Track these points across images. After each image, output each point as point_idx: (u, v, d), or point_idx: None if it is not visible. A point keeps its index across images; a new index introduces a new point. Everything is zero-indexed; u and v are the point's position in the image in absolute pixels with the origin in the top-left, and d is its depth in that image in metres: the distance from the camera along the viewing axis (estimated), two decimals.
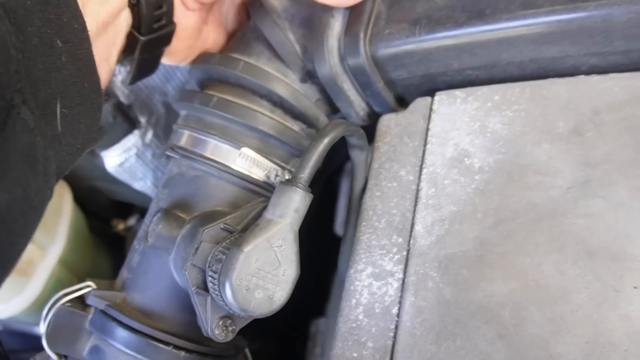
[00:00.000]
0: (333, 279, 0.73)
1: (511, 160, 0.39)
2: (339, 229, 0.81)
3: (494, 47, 0.41)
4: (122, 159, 0.61)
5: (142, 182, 0.65)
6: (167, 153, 0.48)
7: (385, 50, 0.44)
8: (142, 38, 0.44)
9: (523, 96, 0.41)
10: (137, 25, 0.44)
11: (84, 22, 0.36)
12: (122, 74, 0.56)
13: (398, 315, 0.37)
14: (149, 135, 0.62)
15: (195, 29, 0.49)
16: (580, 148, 0.37)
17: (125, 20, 0.43)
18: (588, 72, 0.40)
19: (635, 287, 0.32)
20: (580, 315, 0.32)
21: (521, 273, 0.35)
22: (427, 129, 0.43)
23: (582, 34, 0.38)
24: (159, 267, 0.45)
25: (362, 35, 0.44)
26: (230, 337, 0.40)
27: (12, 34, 0.31)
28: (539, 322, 0.33)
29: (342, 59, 0.45)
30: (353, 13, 0.46)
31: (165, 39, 0.47)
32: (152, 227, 0.45)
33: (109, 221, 0.77)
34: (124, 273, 0.48)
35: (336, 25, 0.46)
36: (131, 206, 0.78)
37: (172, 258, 0.44)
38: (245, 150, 0.46)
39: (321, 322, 0.75)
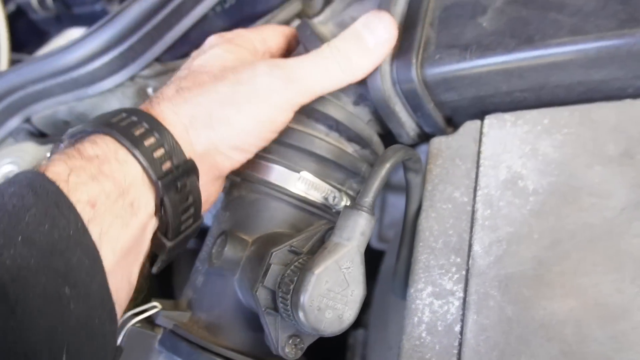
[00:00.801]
0: (372, 291, 0.75)
1: (564, 182, 0.40)
2: (375, 241, 0.83)
3: (542, 71, 0.43)
4: None
5: None
6: (228, 177, 0.50)
7: (436, 74, 0.46)
8: (169, 243, 0.44)
9: (572, 120, 0.42)
10: (164, 230, 0.43)
11: (97, 256, 0.35)
12: None
13: (461, 332, 0.39)
14: None
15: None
16: (632, 170, 0.39)
17: (150, 231, 0.42)
18: (634, 95, 0.42)
19: None
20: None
21: (580, 292, 0.37)
22: (479, 152, 0.45)
23: (630, 59, 0.40)
24: (223, 287, 0.47)
25: (414, 60, 0.46)
26: (299, 354, 0.43)
27: (9, 315, 0.31)
28: (600, 340, 0.35)
29: (394, 82, 0.48)
30: (404, 39, 0.48)
31: (193, 233, 0.46)
32: (216, 249, 0.47)
33: None
34: (188, 293, 0.50)
35: None
36: None
37: (237, 279, 0.46)
38: (304, 174, 0.48)
39: (360, 333, 0.77)
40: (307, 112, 0.49)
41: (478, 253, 0.41)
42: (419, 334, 0.40)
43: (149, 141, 0.41)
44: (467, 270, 0.41)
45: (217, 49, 0.49)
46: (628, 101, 0.41)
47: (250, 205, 0.49)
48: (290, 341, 0.43)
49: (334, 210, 0.49)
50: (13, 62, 0.83)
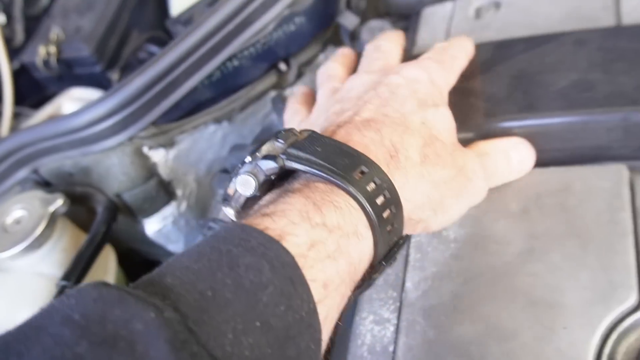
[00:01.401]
0: None
1: (477, 232, 0.51)
2: None
3: None
4: (160, 226, 0.74)
5: (175, 245, 0.77)
6: (210, 224, 0.60)
7: None
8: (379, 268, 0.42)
9: None
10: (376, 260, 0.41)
11: (320, 342, 0.33)
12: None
13: (394, 352, 0.49)
14: (184, 205, 0.74)
15: None
16: (527, 224, 0.50)
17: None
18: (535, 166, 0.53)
19: (564, 328, 0.44)
20: (526, 350, 0.44)
21: (483, 318, 0.47)
22: None
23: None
24: None
25: None
26: None
27: None
28: (497, 355, 0.45)
29: None
30: None
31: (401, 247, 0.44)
32: None
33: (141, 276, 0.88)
34: None
35: None
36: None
37: None
38: None
39: None
40: None
41: (409, 288, 0.51)
42: (362, 353, 0.50)
43: (387, 214, 0.39)
44: (401, 302, 0.51)
45: (446, 111, 0.49)
46: (530, 171, 0.53)
47: None
48: None
49: None
50: (15, 115, 0.94)
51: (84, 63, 0.94)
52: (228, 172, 0.65)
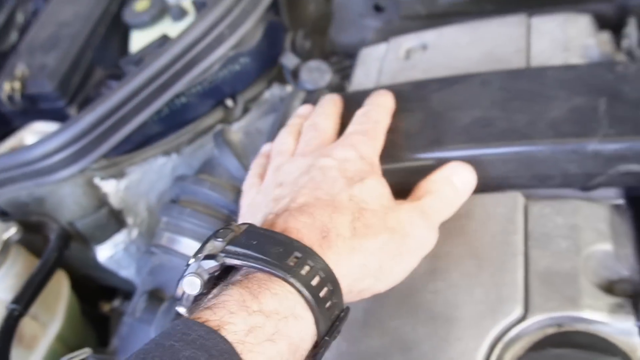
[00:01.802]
0: None
1: None
2: None
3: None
4: (112, 252, 0.78)
5: (126, 271, 0.81)
6: (152, 249, 0.65)
7: None
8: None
9: None
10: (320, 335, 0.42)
11: None
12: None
13: None
14: (135, 233, 0.79)
15: None
16: (434, 247, 0.55)
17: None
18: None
19: (458, 339, 0.49)
20: (425, 358, 0.49)
21: (392, 331, 0.52)
22: None
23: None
24: (143, 336, 0.61)
25: None
26: None
27: None
28: None
29: None
30: None
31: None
32: (139, 305, 0.61)
33: (96, 303, 0.92)
34: (115, 342, 0.64)
35: None
36: (115, 290, 0.93)
37: (153, 329, 0.60)
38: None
39: None
40: (215, 200, 0.65)
41: None
42: None
43: (324, 293, 0.41)
44: None
45: (373, 181, 0.51)
46: None
47: (168, 271, 0.64)
48: None
49: None
50: None
51: (47, 98, 0.98)
52: (175, 202, 0.70)
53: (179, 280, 0.42)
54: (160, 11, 0.90)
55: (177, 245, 0.64)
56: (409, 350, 0.50)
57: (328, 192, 0.49)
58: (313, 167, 0.52)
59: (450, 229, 0.56)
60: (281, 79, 0.85)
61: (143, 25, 0.91)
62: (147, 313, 0.60)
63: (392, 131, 0.61)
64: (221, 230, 0.44)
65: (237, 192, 0.65)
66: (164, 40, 0.81)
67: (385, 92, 0.62)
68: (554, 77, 0.60)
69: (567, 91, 0.58)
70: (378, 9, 0.89)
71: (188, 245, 0.63)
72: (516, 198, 0.56)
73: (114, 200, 0.75)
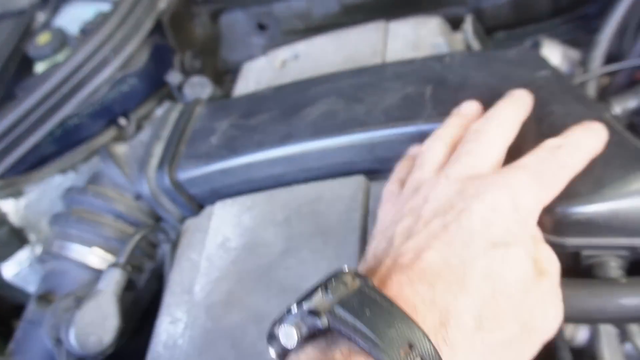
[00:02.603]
0: None
1: (251, 240, 0.62)
2: None
3: (246, 171, 0.66)
4: (17, 270, 0.82)
5: (34, 287, 0.85)
6: (43, 257, 0.69)
7: (183, 177, 0.68)
8: None
9: (263, 201, 0.65)
10: None
11: None
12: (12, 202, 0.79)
13: (181, 344, 0.59)
14: (38, 249, 0.83)
15: None
16: (288, 229, 0.61)
17: None
18: (300, 182, 0.65)
19: None
20: None
21: (249, 306, 0.57)
22: (209, 226, 0.66)
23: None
24: (34, 335, 0.65)
25: (166, 169, 0.68)
26: None
27: None
28: (253, 335, 0.55)
29: (158, 185, 0.69)
30: (165, 155, 0.70)
31: None
32: (29, 308, 0.65)
33: (9, 321, 0.95)
34: (11, 345, 0.68)
35: (152, 162, 0.70)
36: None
37: (43, 328, 0.64)
38: (95, 249, 0.68)
39: None
40: (100, 207, 0.70)
41: (196, 291, 0.61)
42: (158, 349, 0.60)
43: None
44: (190, 304, 0.61)
45: (520, 252, 0.42)
46: (294, 186, 0.65)
47: (58, 275, 0.68)
48: None
49: None
50: None
51: None
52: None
53: (276, 322, 0.41)
54: (61, 43, 0.95)
55: (66, 251, 0.68)
56: (262, 321, 0.56)
57: (460, 254, 0.41)
58: (453, 209, 0.44)
59: (304, 212, 0.62)
60: (172, 97, 0.90)
61: (45, 56, 0.96)
62: (37, 315, 0.64)
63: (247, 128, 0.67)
64: (334, 280, 0.40)
65: (121, 199, 0.70)
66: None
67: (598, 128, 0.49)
68: (392, 71, 0.67)
69: (401, 82, 0.65)
70: (261, 27, 0.96)
71: (77, 250, 0.68)
72: (360, 181, 0.63)
73: (14, 219, 0.79)
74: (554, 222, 0.50)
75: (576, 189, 0.49)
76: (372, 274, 0.43)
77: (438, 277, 0.40)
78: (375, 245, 0.47)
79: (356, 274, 0.40)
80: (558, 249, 0.50)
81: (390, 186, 0.55)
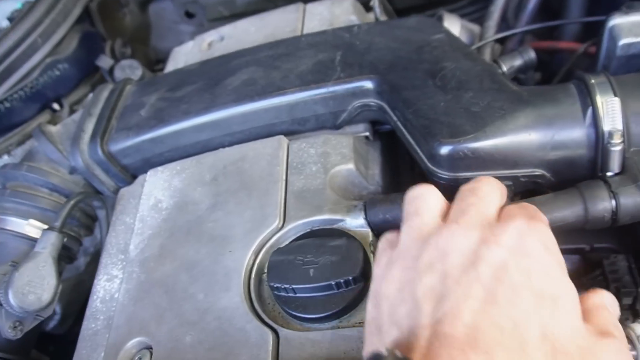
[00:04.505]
0: None
1: (181, 199, 0.67)
2: None
3: (173, 138, 0.71)
4: None
5: None
6: None
7: (114, 149, 0.72)
8: None
9: (191, 165, 0.70)
10: None
11: None
12: None
13: (117, 297, 0.62)
14: None
15: None
16: (215, 187, 0.66)
17: None
18: (225, 147, 0.70)
19: (230, 251, 0.60)
20: (205, 271, 0.59)
21: (180, 257, 0.62)
22: (142, 192, 0.71)
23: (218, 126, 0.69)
24: None
25: (98, 142, 0.72)
26: (19, 335, 0.63)
27: None
28: (185, 281, 0.60)
29: (91, 157, 0.73)
30: (96, 128, 0.74)
31: None
32: None
33: None
34: None
35: (85, 137, 0.74)
36: None
37: None
38: (32, 221, 0.71)
39: None
40: (35, 181, 0.73)
41: (131, 249, 0.65)
42: (96, 305, 0.63)
43: None
44: (125, 261, 0.65)
45: (569, 302, 0.39)
46: (219, 150, 0.70)
47: None
48: (14, 326, 0.63)
49: None
50: None
51: None
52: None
53: None
54: None
55: (3, 224, 0.71)
56: (192, 268, 0.60)
57: (510, 315, 0.36)
58: (480, 260, 0.39)
59: (230, 171, 0.67)
60: (104, 82, 0.94)
61: None
62: None
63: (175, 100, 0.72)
64: None
65: (55, 173, 0.74)
66: None
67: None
68: (306, 41, 0.73)
69: (314, 50, 0.71)
70: (189, 15, 1.01)
71: (14, 222, 0.71)
72: (280, 140, 0.68)
73: None
74: (447, 159, 0.57)
75: (464, 129, 0.56)
76: (410, 350, 0.36)
77: (494, 345, 0.35)
78: (389, 309, 0.40)
79: (397, 357, 0.34)
80: (453, 182, 0.58)
81: (381, 244, 0.47)
